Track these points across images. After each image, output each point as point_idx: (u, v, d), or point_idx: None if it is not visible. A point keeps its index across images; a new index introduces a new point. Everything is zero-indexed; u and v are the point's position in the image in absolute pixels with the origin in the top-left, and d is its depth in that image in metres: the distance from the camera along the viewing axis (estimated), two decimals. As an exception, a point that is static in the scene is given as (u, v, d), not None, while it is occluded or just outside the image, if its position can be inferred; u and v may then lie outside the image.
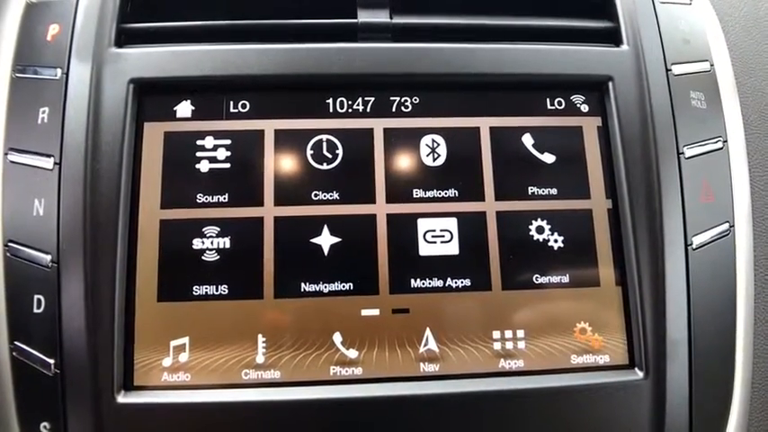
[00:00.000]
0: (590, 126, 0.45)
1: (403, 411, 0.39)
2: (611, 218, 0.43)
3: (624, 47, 0.46)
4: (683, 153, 0.44)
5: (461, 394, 0.39)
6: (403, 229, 0.42)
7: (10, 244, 0.40)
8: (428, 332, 0.41)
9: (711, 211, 0.44)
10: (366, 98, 0.44)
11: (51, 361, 0.39)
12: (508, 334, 0.41)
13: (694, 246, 0.42)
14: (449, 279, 0.42)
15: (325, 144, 0.43)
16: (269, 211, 0.42)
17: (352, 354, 0.40)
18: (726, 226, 0.44)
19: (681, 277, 0.42)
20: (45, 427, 0.39)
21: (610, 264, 0.42)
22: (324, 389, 0.39)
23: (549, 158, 0.44)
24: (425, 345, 0.41)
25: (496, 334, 0.41)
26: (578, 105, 0.45)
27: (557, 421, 0.40)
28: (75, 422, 0.38)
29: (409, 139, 0.44)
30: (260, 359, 0.40)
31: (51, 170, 0.41)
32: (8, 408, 0.39)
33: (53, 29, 0.44)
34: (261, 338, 0.40)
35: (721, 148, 0.45)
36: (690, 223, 0.43)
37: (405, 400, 0.39)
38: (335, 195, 0.42)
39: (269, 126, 0.43)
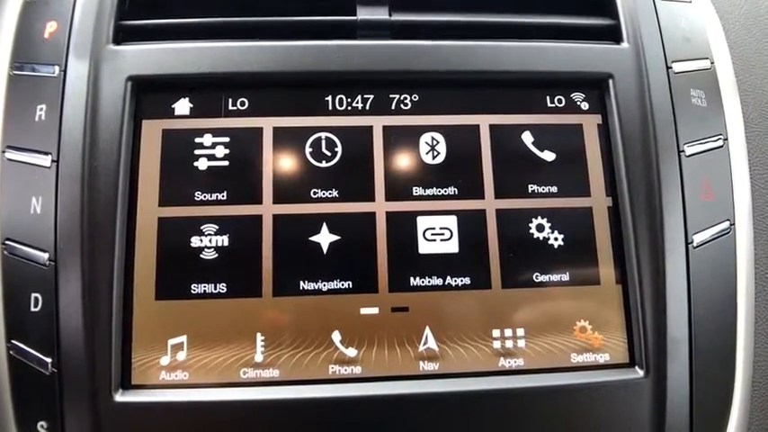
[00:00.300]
0: (590, 124, 0.44)
1: (402, 410, 0.39)
2: (612, 216, 0.43)
3: (624, 44, 0.46)
4: (683, 151, 0.44)
5: (461, 393, 0.39)
6: (402, 227, 0.42)
7: (7, 242, 0.40)
8: (427, 331, 0.41)
9: (712, 210, 0.43)
10: (365, 96, 0.44)
11: (48, 360, 0.38)
12: (508, 332, 0.41)
13: (695, 244, 0.42)
14: (448, 277, 0.41)
15: (324, 142, 0.43)
16: (267, 209, 0.42)
17: (352, 352, 0.40)
18: (726, 224, 0.44)
19: (681, 275, 0.42)
20: (42, 426, 0.38)
21: (610, 262, 0.42)
22: (323, 388, 0.39)
23: (549, 156, 0.44)
24: (425, 343, 0.40)
25: (496, 332, 0.41)
26: (578, 103, 0.45)
27: (557, 420, 0.39)
28: (72, 421, 0.38)
29: (409, 136, 0.43)
30: (258, 358, 0.40)
31: (49, 168, 0.41)
32: (5, 407, 0.39)
33: (51, 26, 0.44)
34: (259, 337, 0.40)
35: (722, 146, 0.45)
36: (690, 221, 0.43)
37: (404, 398, 0.39)
38: (334, 193, 0.42)
39: (268, 124, 0.43)
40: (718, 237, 0.43)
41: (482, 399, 0.39)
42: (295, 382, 0.39)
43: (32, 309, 0.39)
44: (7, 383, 0.39)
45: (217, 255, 0.41)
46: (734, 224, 0.44)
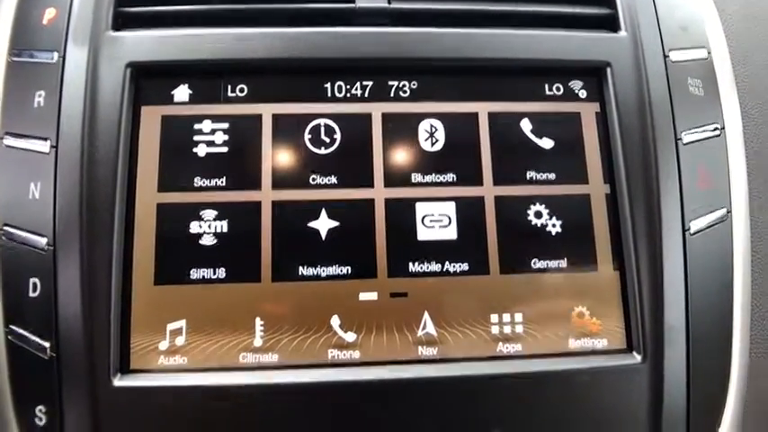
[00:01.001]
0: (588, 112, 0.45)
1: (401, 394, 0.39)
2: (609, 203, 0.43)
3: (622, 33, 0.46)
4: (680, 139, 0.44)
5: (459, 378, 0.39)
6: (401, 213, 0.42)
7: (6, 228, 0.40)
8: (426, 316, 0.41)
9: (709, 198, 0.44)
10: (364, 83, 0.44)
11: (47, 344, 0.38)
12: (506, 318, 0.41)
13: (692, 231, 0.43)
14: (447, 263, 0.41)
15: (323, 128, 0.43)
16: (266, 195, 0.42)
17: (350, 337, 0.40)
18: (723, 212, 0.44)
19: (678, 262, 0.42)
20: (41, 410, 0.38)
21: (608, 248, 0.42)
22: (322, 372, 0.39)
23: (547, 144, 0.44)
24: (423, 328, 0.41)
25: (494, 318, 0.41)
26: (576, 91, 0.45)
27: (555, 405, 0.40)
28: (71, 405, 0.38)
29: (407, 123, 0.43)
30: (257, 342, 0.40)
31: (48, 154, 0.41)
32: (4, 392, 0.39)
33: (49, 13, 0.44)
34: (258, 322, 0.40)
35: (719, 135, 0.45)
36: (687, 209, 0.43)
37: (403, 383, 0.39)
38: (333, 180, 0.42)
39: (267, 110, 0.43)
40: (715, 224, 0.43)
41: (480, 383, 0.39)
42: (294, 367, 0.39)
43: (31, 294, 0.39)
44: (5, 368, 0.39)
45: (216, 240, 0.41)
46: (731, 212, 0.44)
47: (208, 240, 0.41)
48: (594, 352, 0.41)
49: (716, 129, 0.45)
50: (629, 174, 0.43)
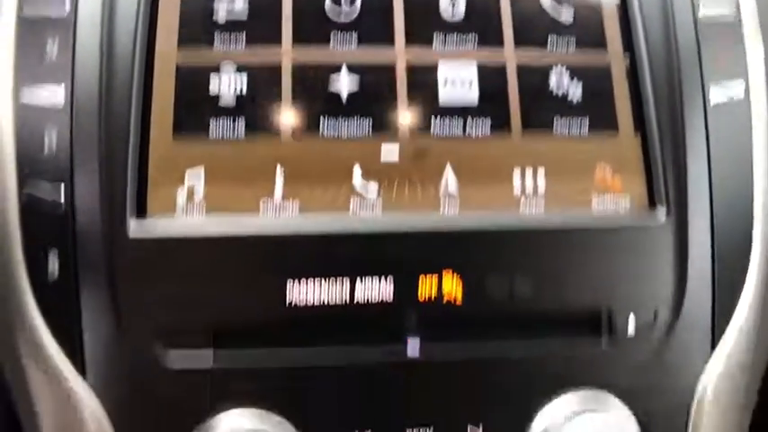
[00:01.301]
0: None
1: (423, 244, 0.38)
2: (630, 73, 0.43)
3: None
4: (699, 19, 0.44)
5: (481, 230, 0.39)
6: (423, 75, 0.42)
7: (22, 88, 0.39)
8: (449, 173, 0.40)
9: (727, 72, 0.44)
10: None
11: (61, 193, 0.37)
12: (528, 176, 0.41)
13: (712, 104, 0.43)
14: (469, 124, 0.41)
15: None
16: (287, 54, 0.41)
17: (372, 188, 0.40)
18: (742, 87, 0.44)
19: (700, 129, 0.42)
20: (54, 255, 0.37)
21: (628, 112, 0.42)
22: (343, 221, 0.39)
23: (567, 14, 0.44)
24: (446, 185, 0.40)
25: (517, 176, 0.41)
26: None
27: (578, 261, 0.39)
28: (85, 253, 0.37)
29: None
30: (278, 191, 0.39)
31: (65, 18, 0.40)
32: (14, 246, 0.38)
33: None
34: (279, 173, 0.39)
35: (735, 16, 0.46)
36: (707, 81, 0.43)
37: (425, 234, 0.39)
38: (354, 41, 0.42)
39: None
40: (734, 99, 0.44)
41: (502, 236, 0.39)
42: (315, 216, 0.39)
43: (46, 147, 0.38)
44: (17, 222, 0.38)
45: (235, 99, 0.40)
46: (749, 89, 0.44)
47: (227, 99, 0.40)
48: (618, 210, 0.41)
49: (732, 10, 0.46)
50: (649, 44, 0.43)
